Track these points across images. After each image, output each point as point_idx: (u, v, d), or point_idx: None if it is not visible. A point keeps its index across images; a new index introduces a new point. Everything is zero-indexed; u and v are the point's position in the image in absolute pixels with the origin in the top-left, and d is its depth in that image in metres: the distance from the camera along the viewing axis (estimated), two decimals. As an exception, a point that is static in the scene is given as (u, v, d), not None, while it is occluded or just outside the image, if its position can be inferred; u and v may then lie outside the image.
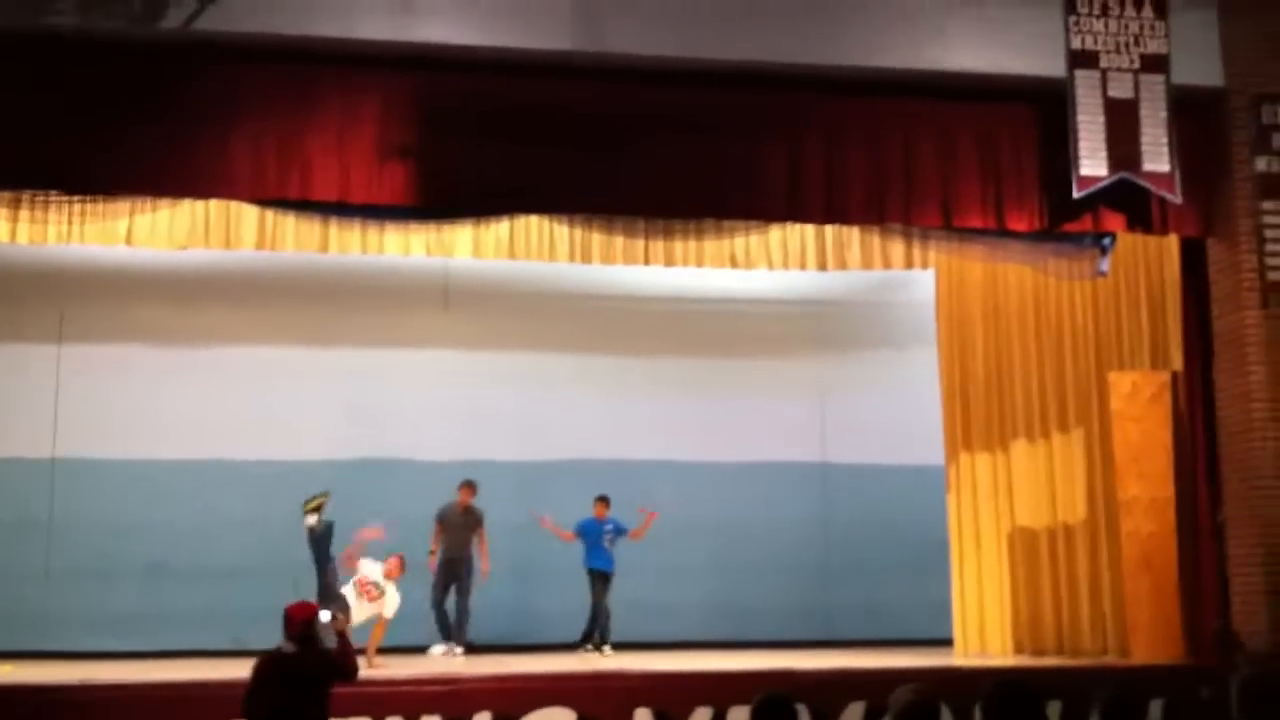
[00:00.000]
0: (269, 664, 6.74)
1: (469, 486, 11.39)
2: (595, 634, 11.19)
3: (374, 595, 10.07)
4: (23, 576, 11.30)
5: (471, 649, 11.10)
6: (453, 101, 9.14)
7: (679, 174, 9.34)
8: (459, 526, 11.30)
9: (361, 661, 7.47)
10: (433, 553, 11.21)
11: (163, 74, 8.83)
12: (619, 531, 11.38)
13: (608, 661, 10.31)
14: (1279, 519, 9.48)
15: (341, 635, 7.37)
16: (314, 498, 10.02)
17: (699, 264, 10.44)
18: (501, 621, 11.57)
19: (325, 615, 7.59)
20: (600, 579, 11.33)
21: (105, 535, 11.47)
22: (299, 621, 6.81)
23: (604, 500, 11.46)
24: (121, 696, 8.19)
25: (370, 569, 10.14)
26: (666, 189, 9.35)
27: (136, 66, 8.79)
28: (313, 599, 8.40)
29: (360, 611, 9.86)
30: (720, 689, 8.50)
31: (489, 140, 9.11)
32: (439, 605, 11.20)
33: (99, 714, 7.97)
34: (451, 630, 11.16)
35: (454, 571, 11.24)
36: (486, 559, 11.23)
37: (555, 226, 10.07)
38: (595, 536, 11.38)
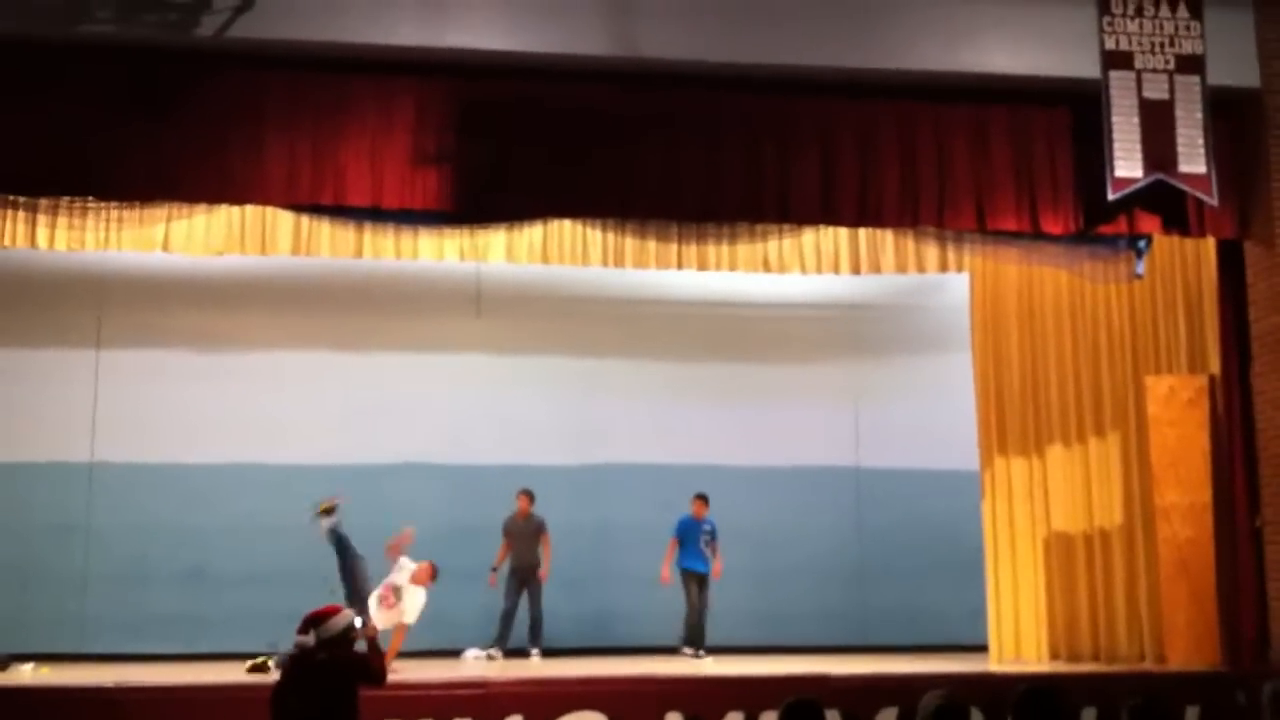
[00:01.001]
0: (295, 664, 6.74)
1: (527, 495, 11.53)
2: (692, 637, 11.22)
3: (392, 603, 10.07)
4: (61, 580, 11.38)
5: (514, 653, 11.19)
6: (486, 106, 9.17)
7: (712, 177, 9.34)
8: (524, 535, 11.43)
9: None
10: (495, 568, 11.35)
11: (198, 81, 8.92)
12: (715, 534, 11.39)
13: (646, 666, 10.29)
14: (1318, 524, 9.38)
15: (372, 641, 7.40)
16: (325, 501, 10.06)
17: (732, 268, 10.44)
18: (560, 626, 11.63)
19: (357, 621, 7.59)
20: (695, 580, 11.34)
21: (142, 539, 11.55)
22: (309, 617, 6.70)
23: (702, 499, 11.49)
24: (157, 698, 8.29)
25: (407, 567, 10.19)
26: (699, 192, 9.36)
27: (172, 73, 8.88)
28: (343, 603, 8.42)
29: (380, 619, 9.86)
30: (751, 693, 8.49)
31: (522, 145, 9.16)
32: (510, 613, 11.29)
33: (135, 716, 8.06)
34: (530, 636, 11.28)
35: (523, 580, 11.36)
36: (548, 565, 11.37)
37: (588, 231, 10.09)
38: (693, 536, 11.40)
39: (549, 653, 11.19)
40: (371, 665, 6.99)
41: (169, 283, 11.77)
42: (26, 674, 9.78)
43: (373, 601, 9.95)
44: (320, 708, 6.52)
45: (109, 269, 11.51)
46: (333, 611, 6.87)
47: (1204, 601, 9.89)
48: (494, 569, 11.36)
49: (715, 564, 11.35)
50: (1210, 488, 10.03)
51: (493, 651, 11.12)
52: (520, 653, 11.17)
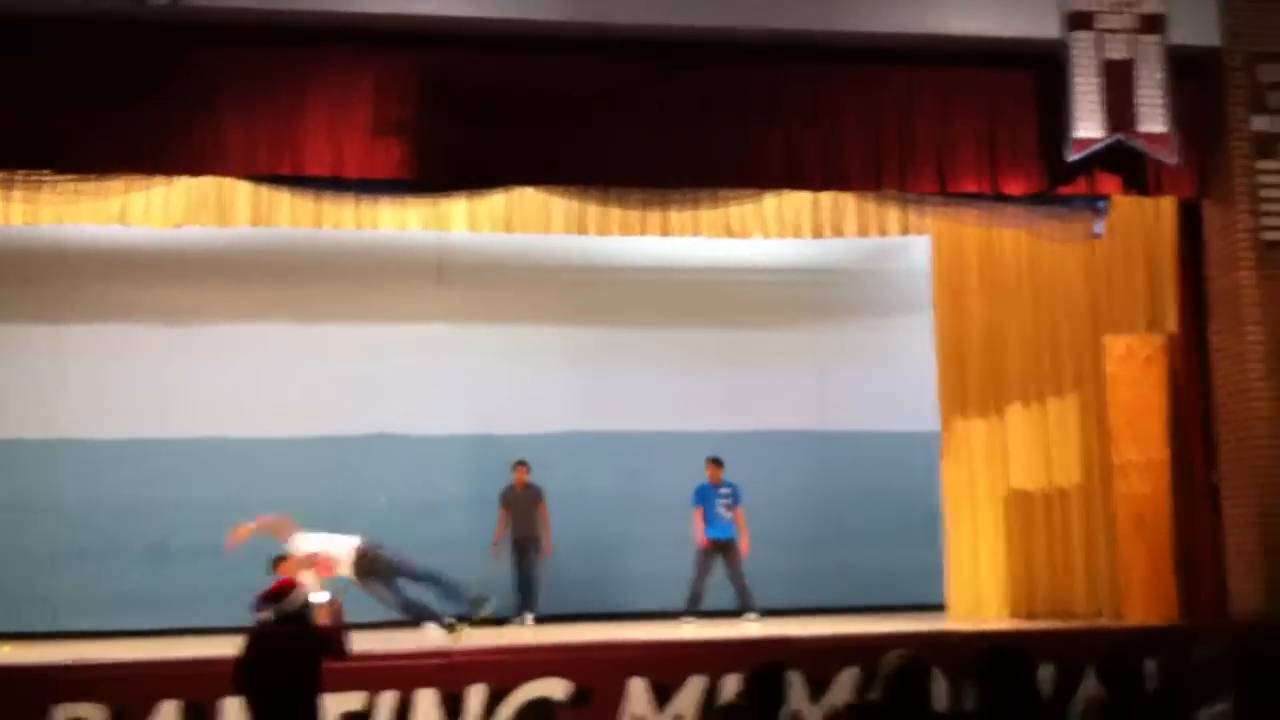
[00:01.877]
0: (252, 638, 6.75)
1: (523, 465, 11.61)
2: (743, 602, 11.24)
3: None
4: (25, 557, 11.34)
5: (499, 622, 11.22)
6: (447, 75, 9.10)
7: (674, 143, 9.31)
8: (523, 505, 11.51)
9: None
10: (496, 542, 11.43)
11: (155, 52, 8.79)
12: (736, 498, 11.34)
13: (609, 631, 10.32)
14: (1274, 480, 9.46)
15: (335, 614, 7.38)
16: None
17: (695, 233, 10.44)
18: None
19: (324, 595, 7.62)
20: (720, 549, 11.31)
21: (107, 515, 11.52)
22: (275, 589, 6.85)
23: (715, 462, 11.48)
24: (123, 674, 8.27)
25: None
26: (661, 158, 9.32)
27: (128, 45, 8.75)
28: None
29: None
30: (714, 658, 8.52)
31: (484, 113, 9.08)
32: (525, 581, 11.43)
33: (100, 692, 8.04)
34: (526, 602, 11.39)
35: (525, 548, 11.48)
36: (549, 536, 11.47)
37: (551, 199, 10.05)
38: (710, 503, 11.38)
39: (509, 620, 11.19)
40: (335, 638, 7.00)
41: (128, 256, 11.69)
42: (-9, 652, 9.74)
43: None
44: (284, 682, 6.56)
45: (68, 243, 11.41)
46: (288, 585, 6.93)
47: (1161, 557, 9.98)
48: (495, 543, 11.42)
49: (742, 535, 11.31)
50: (1168, 445, 10.10)
51: (525, 617, 11.22)
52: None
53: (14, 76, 8.60)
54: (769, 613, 11.12)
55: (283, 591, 6.87)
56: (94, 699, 7.94)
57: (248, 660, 6.64)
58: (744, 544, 11.32)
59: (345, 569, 10.27)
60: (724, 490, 11.39)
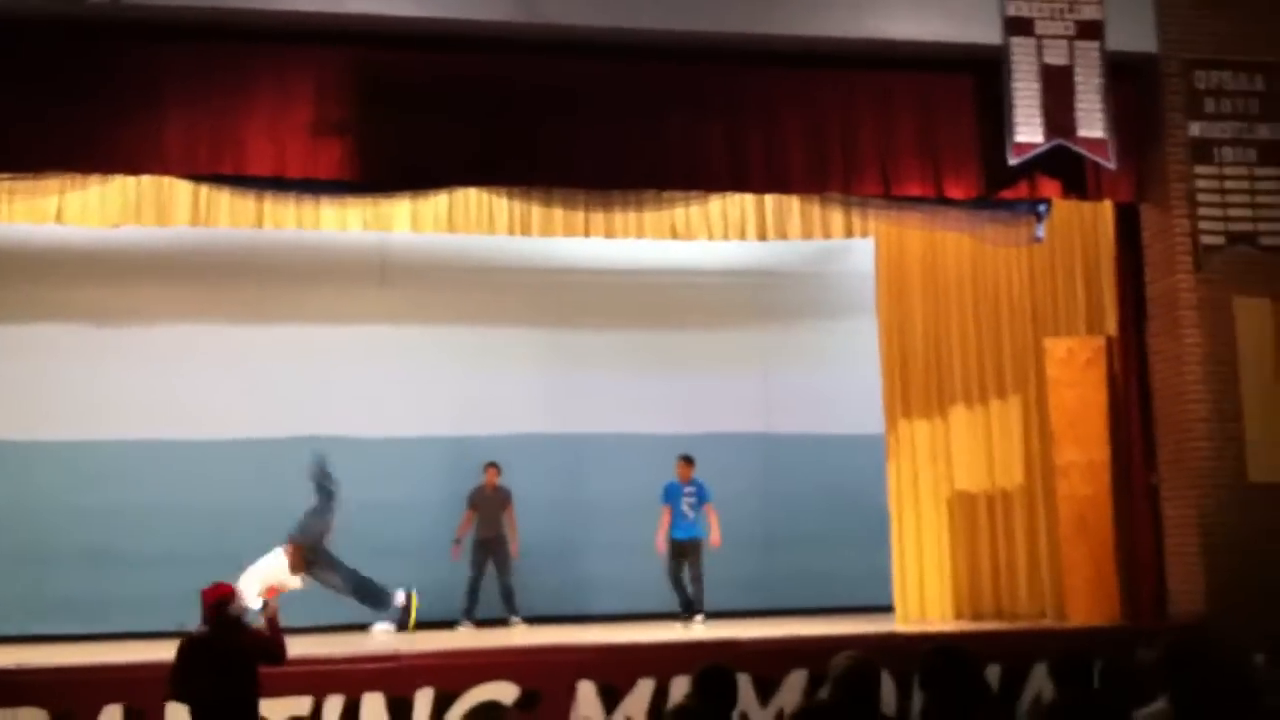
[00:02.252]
0: (190, 646, 6.82)
1: (494, 467, 11.53)
2: (690, 604, 11.14)
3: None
4: (-43, 561, 11.12)
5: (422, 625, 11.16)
6: (388, 75, 9.08)
7: (618, 145, 9.33)
8: (491, 506, 11.43)
9: None
10: (458, 540, 11.33)
11: (92, 49, 8.72)
12: (702, 497, 11.24)
13: (557, 635, 10.28)
14: (1212, 481, 9.61)
15: (272, 620, 7.32)
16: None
17: (639, 235, 10.49)
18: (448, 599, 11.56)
19: (258, 602, 7.59)
20: (680, 548, 11.20)
21: (41, 519, 11.28)
22: (208, 603, 6.90)
23: (685, 460, 11.37)
24: (64, 679, 8.14)
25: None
26: (605, 160, 9.34)
27: (65, 42, 8.68)
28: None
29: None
30: (662, 660, 8.53)
31: (426, 114, 9.08)
32: (475, 585, 11.29)
33: (43, 696, 7.91)
34: (505, 605, 11.30)
35: (489, 550, 11.36)
36: (516, 539, 11.40)
37: (494, 200, 10.07)
38: (676, 501, 11.31)
39: (449, 624, 11.11)
40: (272, 644, 7.04)
41: (63, 256, 11.47)
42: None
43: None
44: (220, 689, 6.63)
45: (0, 242, 11.20)
46: (228, 593, 6.96)
47: (1103, 558, 10.10)
48: (456, 541, 11.33)
49: (712, 530, 11.22)
50: (1108, 446, 10.23)
51: (465, 624, 11.06)
52: (501, 622, 11.16)
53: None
54: (718, 615, 11.10)
55: (224, 600, 6.90)
56: (36, 704, 7.83)
57: (181, 668, 6.72)
58: (714, 538, 11.23)
59: (294, 580, 10.23)
60: (689, 489, 11.35)
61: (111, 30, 8.69)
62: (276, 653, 7.02)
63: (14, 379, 11.44)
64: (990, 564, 11.11)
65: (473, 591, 11.30)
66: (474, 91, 9.14)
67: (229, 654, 6.77)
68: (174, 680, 6.75)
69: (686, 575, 11.25)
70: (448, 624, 11.04)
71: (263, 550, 10.30)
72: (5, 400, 11.42)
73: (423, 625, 11.11)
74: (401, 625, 10.72)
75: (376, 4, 8.89)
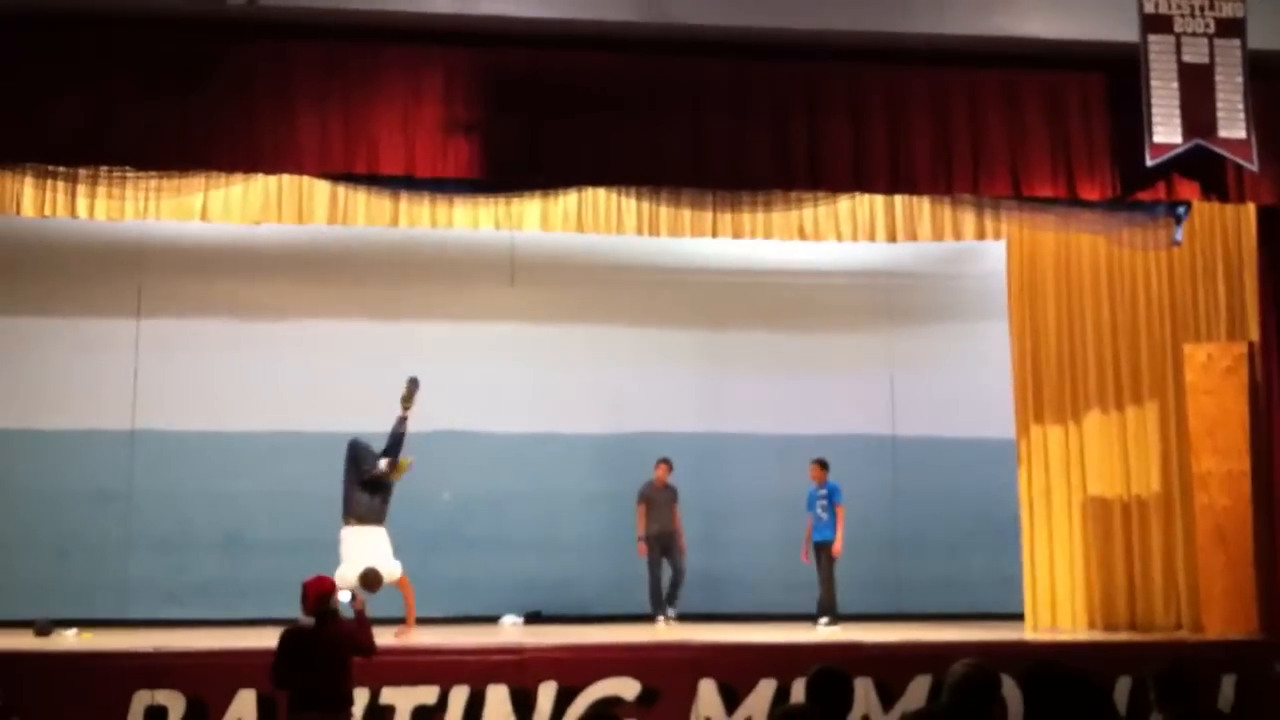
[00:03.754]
0: (289, 638, 7.08)
1: (665, 464, 11.64)
2: (822, 609, 11.10)
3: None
4: (101, 547, 11.54)
5: (545, 619, 11.28)
6: (518, 75, 9.14)
7: (745, 144, 9.29)
8: (662, 503, 11.56)
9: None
10: (641, 537, 11.45)
11: (230, 51, 8.93)
12: (833, 499, 11.23)
13: (683, 632, 10.35)
14: (1357, 492, 9.30)
15: (360, 613, 7.56)
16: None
17: (767, 236, 10.44)
18: (596, 593, 11.79)
19: (345, 595, 7.81)
20: (819, 550, 11.21)
21: (182, 506, 11.69)
22: (315, 596, 7.16)
23: (818, 463, 11.41)
24: (201, 663, 8.43)
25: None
26: (731, 160, 9.31)
27: (205, 44, 8.90)
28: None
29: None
30: (784, 661, 8.52)
31: (554, 113, 9.11)
32: (656, 581, 11.44)
33: (179, 680, 8.20)
34: (668, 592, 11.46)
35: (665, 545, 11.50)
36: (682, 535, 11.55)
37: (623, 199, 10.09)
38: (811, 506, 11.37)
39: (581, 620, 11.25)
40: (364, 637, 7.30)
41: (208, 252, 11.85)
42: (69, 639, 9.92)
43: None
44: (321, 680, 6.89)
45: (148, 238, 11.60)
46: (329, 586, 7.26)
47: (1241, 569, 9.84)
48: (641, 538, 11.46)
49: (837, 537, 11.17)
50: (1248, 455, 9.96)
51: (662, 619, 11.24)
52: (640, 619, 11.30)
53: (95, 75, 8.75)
54: (843, 618, 11.04)
55: (327, 594, 7.21)
56: (173, 687, 8.11)
57: (284, 658, 6.98)
58: (836, 546, 11.18)
59: (388, 551, 10.24)
60: (821, 492, 11.32)
61: (247, 30, 8.91)
62: (368, 646, 7.28)
63: (159, 371, 11.85)
64: (1125, 573, 10.85)
65: (654, 590, 11.40)
66: (601, 91, 9.18)
67: (329, 646, 7.04)
68: (277, 669, 6.98)
69: (822, 579, 11.17)
70: (570, 619, 11.16)
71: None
72: (151, 391, 11.83)
73: (546, 620, 11.28)
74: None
75: (505, 5, 8.99)
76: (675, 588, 11.50)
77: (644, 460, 11.76)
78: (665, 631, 10.84)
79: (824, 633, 10.61)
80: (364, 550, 9.91)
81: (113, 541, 11.58)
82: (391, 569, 9.97)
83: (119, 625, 10.57)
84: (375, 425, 11.66)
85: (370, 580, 9.12)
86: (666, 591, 11.47)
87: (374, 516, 10.18)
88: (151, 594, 11.37)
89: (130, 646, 8.88)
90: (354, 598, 7.86)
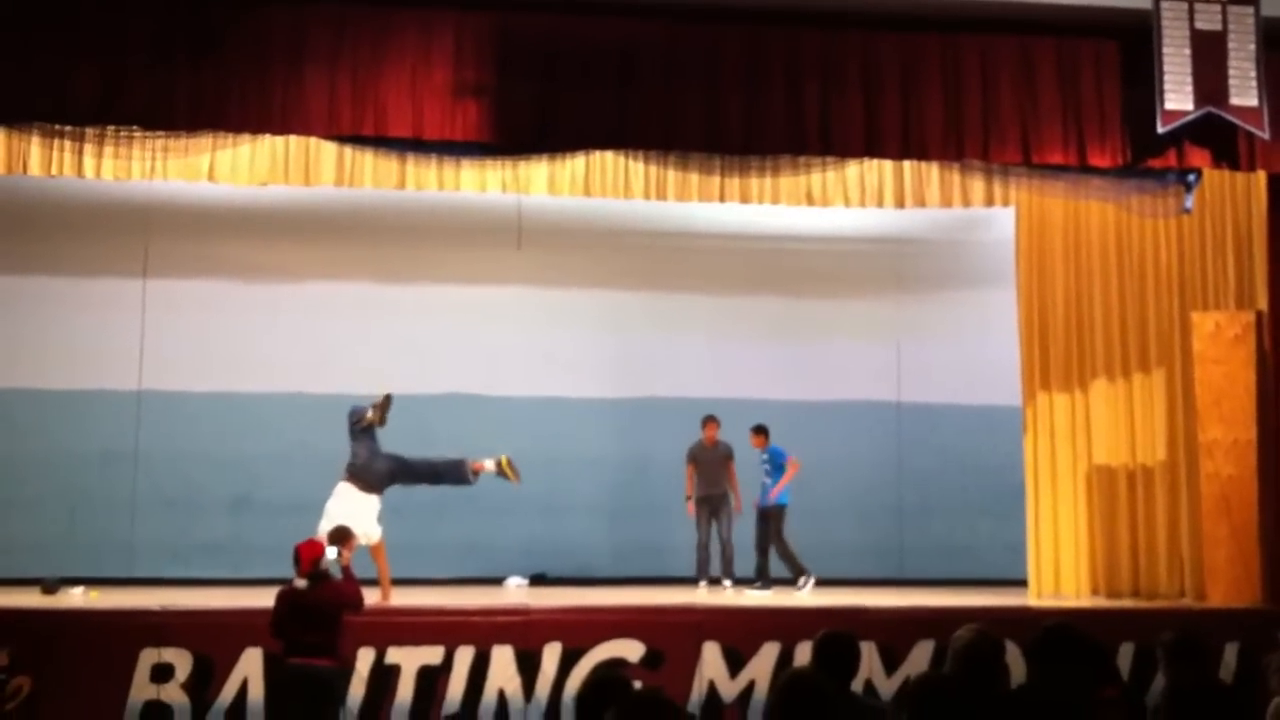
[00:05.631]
0: (285, 598, 7.60)
1: (713, 422, 11.43)
2: (756, 572, 11.04)
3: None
4: (109, 506, 11.58)
5: (550, 581, 11.31)
6: (527, 38, 9.10)
7: (754, 109, 9.26)
8: (711, 463, 11.34)
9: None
10: (690, 498, 11.28)
11: (239, 10, 8.90)
12: (775, 465, 11.11)
13: (683, 595, 10.37)
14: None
15: (346, 569, 7.95)
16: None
17: (775, 201, 10.41)
18: (600, 557, 11.81)
19: (332, 552, 7.91)
20: (759, 517, 11.15)
21: (189, 467, 11.72)
22: (307, 559, 7.61)
23: (754, 430, 11.25)
24: (208, 621, 8.49)
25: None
26: (741, 125, 9.27)
27: (217, 4, 8.86)
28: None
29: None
30: (788, 625, 8.57)
31: (563, 77, 9.09)
32: (704, 544, 11.22)
33: (187, 638, 8.26)
34: (722, 566, 11.19)
35: (714, 508, 11.26)
36: (739, 494, 11.30)
37: (630, 163, 10.06)
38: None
39: (587, 582, 11.28)
40: (353, 595, 7.74)
41: (215, 213, 11.82)
42: (77, 597, 9.97)
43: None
44: (306, 635, 7.45)
45: (155, 199, 11.58)
46: (320, 550, 7.73)
47: (1245, 539, 9.85)
48: (688, 498, 11.29)
49: (778, 485, 11.08)
50: (1255, 425, 9.96)
51: (756, 588, 10.90)
52: (714, 582, 11.13)
53: (103, 34, 8.72)
54: (847, 583, 11.05)
55: (319, 557, 7.68)
56: (180, 645, 8.18)
57: (280, 614, 7.56)
58: (775, 490, 11.08)
59: (371, 515, 10.15)
60: (764, 457, 11.20)
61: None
62: (356, 602, 7.72)
63: (168, 331, 11.85)
64: (1129, 541, 10.87)
65: (702, 551, 11.17)
66: (611, 55, 9.15)
67: (321, 605, 7.53)
68: (274, 626, 7.59)
69: (758, 542, 11.11)
70: (576, 581, 11.19)
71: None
72: (158, 351, 11.84)
73: (551, 582, 11.32)
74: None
75: (513, -33, 8.96)
76: (726, 562, 11.17)
77: (649, 425, 11.79)
78: (676, 595, 10.67)
79: (805, 595, 10.52)
80: (343, 508, 9.74)
81: (119, 501, 11.61)
82: (370, 532, 9.70)
83: (121, 583, 10.62)
84: (379, 388, 11.70)
85: (338, 538, 9.07)
86: (722, 557, 11.19)
87: (367, 481, 10.01)
88: (158, 554, 11.42)
89: (137, 605, 8.93)
90: (339, 554, 7.97)
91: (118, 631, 8.30)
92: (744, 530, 11.29)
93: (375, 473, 9.90)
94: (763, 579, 10.94)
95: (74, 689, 8.04)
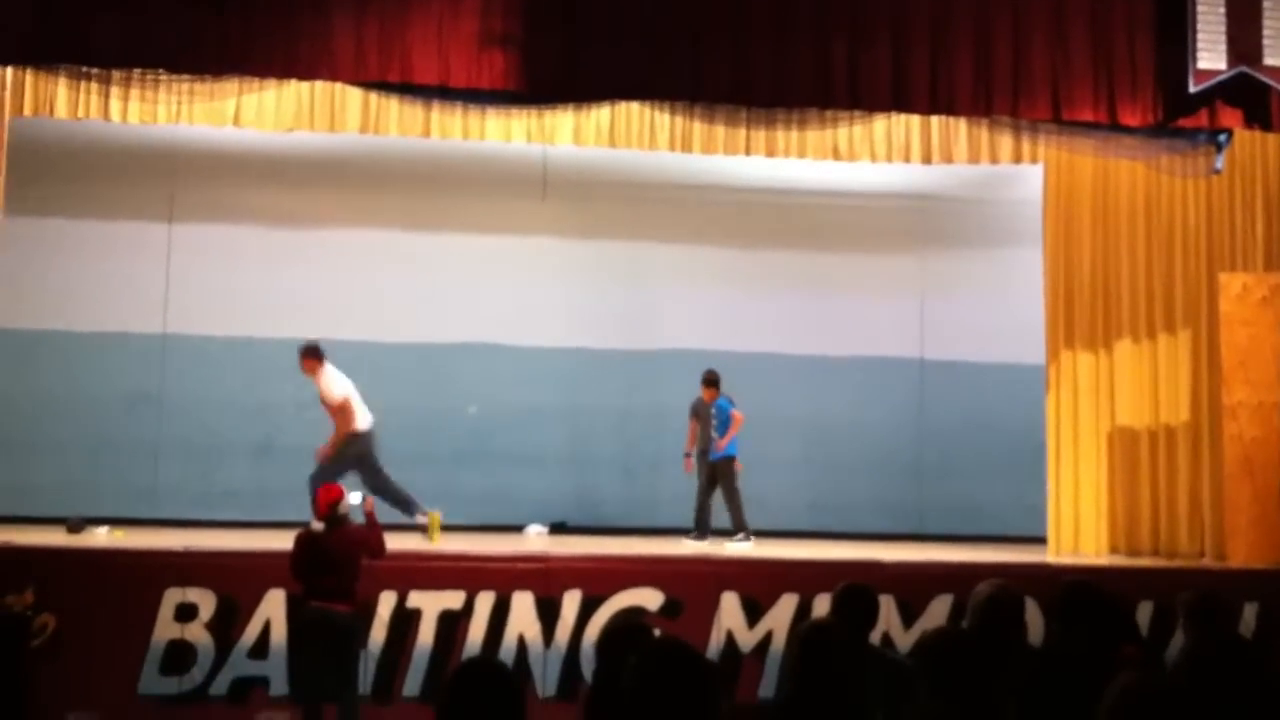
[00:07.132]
0: (302, 541, 7.73)
1: (707, 381, 11.24)
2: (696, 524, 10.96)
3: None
4: (133, 449, 11.64)
5: (569, 530, 11.37)
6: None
7: (782, 63, 9.22)
8: (709, 420, 11.20)
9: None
10: (688, 453, 11.17)
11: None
12: (721, 418, 10.96)
13: (697, 548, 10.41)
14: (1388, 427, 9.26)
15: (369, 514, 8.05)
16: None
17: (801, 155, 10.37)
18: (620, 506, 11.84)
19: (356, 497, 7.99)
20: (708, 469, 11.01)
21: (213, 411, 11.77)
22: (325, 503, 7.73)
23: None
24: (232, 563, 8.57)
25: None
26: (769, 78, 9.25)
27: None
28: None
29: None
30: (806, 577, 8.60)
31: (591, 26, 9.07)
32: (701, 501, 11.04)
33: (211, 579, 8.34)
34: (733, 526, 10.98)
35: (711, 463, 11.07)
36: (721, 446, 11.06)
37: (656, 115, 10.03)
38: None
39: (606, 531, 11.31)
40: (373, 540, 7.85)
41: (239, 158, 11.81)
42: (101, 537, 10.06)
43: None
44: (325, 578, 7.58)
45: (181, 144, 11.57)
46: (337, 495, 7.78)
47: (1267, 500, 9.82)
48: (687, 454, 11.18)
49: (724, 439, 10.93)
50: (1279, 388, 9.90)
51: (693, 537, 10.81)
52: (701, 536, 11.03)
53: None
54: (865, 537, 11.06)
55: (336, 501, 7.71)
56: (204, 585, 8.26)
57: (298, 558, 7.68)
58: (720, 443, 10.93)
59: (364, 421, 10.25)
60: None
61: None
62: (377, 548, 7.82)
63: (192, 276, 11.88)
64: (1150, 501, 10.84)
65: (699, 507, 11.02)
66: (638, 6, 9.11)
67: (339, 548, 7.64)
68: (293, 568, 7.68)
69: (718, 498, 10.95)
70: (594, 531, 11.24)
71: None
72: (183, 296, 11.88)
73: (570, 531, 11.36)
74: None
75: (543, -85, 8.90)
76: (735, 510, 10.89)
77: (672, 377, 11.76)
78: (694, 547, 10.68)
79: (735, 549, 10.35)
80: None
81: (144, 444, 11.67)
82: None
83: (145, 524, 10.68)
84: (404, 337, 11.75)
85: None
86: (730, 514, 10.96)
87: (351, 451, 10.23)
88: (181, 497, 11.48)
89: (162, 545, 9.01)
90: (364, 499, 8.06)
91: (142, 571, 8.38)
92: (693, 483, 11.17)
93: (356, 452, 10.11)
94: (700, 529, 10.84)
95: (99, 627, 8.12)
